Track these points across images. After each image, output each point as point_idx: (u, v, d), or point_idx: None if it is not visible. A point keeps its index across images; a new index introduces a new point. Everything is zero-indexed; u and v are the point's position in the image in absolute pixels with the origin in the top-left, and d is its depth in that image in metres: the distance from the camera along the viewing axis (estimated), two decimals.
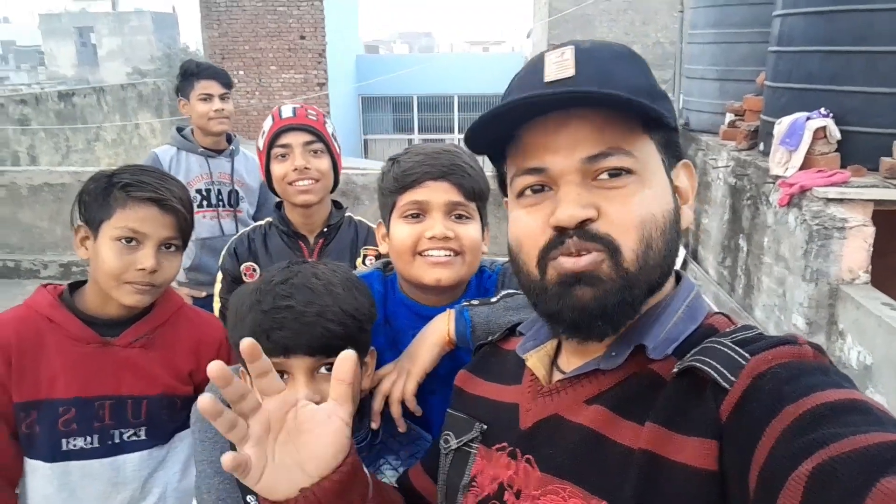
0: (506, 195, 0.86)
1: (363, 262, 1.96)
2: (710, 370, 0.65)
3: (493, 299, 1.21)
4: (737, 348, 0.66)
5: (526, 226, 0.76)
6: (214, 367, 0.67)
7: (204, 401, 0.68)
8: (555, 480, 0.74)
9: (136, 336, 1.40)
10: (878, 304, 3.15)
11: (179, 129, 2.98)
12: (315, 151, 1.89)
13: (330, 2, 14.09)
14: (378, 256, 1.98)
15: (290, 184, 1.86)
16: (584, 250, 0.71)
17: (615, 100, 0.69)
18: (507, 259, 1.42)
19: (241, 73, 13.19)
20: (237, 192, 2.91)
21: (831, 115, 3.63)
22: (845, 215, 3.37)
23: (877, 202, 3.37)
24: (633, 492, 0.66)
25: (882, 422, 0.54)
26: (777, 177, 3.81)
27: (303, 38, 13.60)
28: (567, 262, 0.72)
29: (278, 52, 13.55)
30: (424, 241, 1.22)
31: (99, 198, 1.34)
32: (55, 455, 1.35)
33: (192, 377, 1.45)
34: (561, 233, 0.72)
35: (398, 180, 1.24)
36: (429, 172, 1.22)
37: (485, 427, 0.88)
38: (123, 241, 1.32)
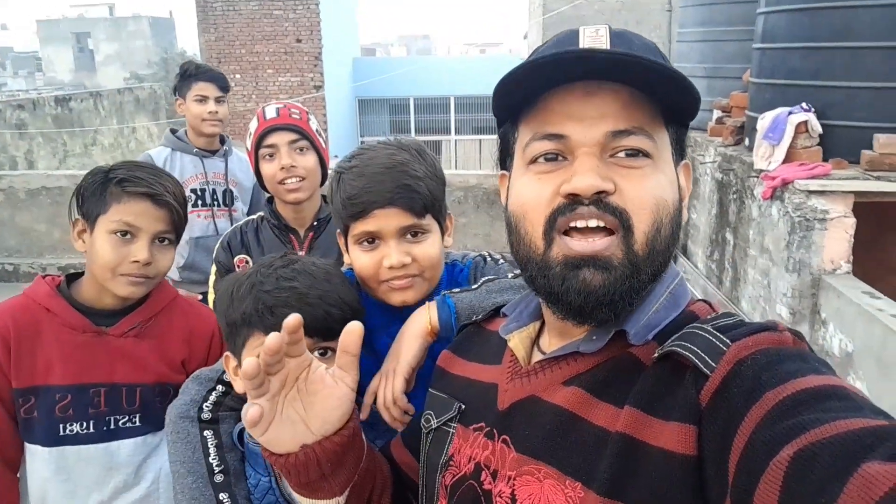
0: (503, 167, 0.84)
1: None
2: (690, 355, 0.65)
3: (474, 286, 1.22)
4: (718, 334, 0.66)
5: (535, 193, 0.74)
6: (250, 364, 0.70)
7: (250, 364, 0.70)
8: (530, 461, 0.74)
9: (131, 326, 1.46)
10: (858, 293, 3.21)
11: (173, 131, 3.04)
12: (300, 149, 1.95)
13: (326, 5, 14.16)
14: None
15: (280, 183, 1.93)
16: (598, 220, 0.69)
17: (667, 72, 0.68)
18: (478, 253, 1.45)
19: (238, 76, 13.25)
20: (231, 192, 2.97)
21: (813, 109, 3.70)
22: (826, 207, 3.44)
23: (857, 194, 3.44)
24: (608, 474, 0.65)
25: (861, 407, 0.54)
26: (761, 171, 3.88)
27: (299, 41, 13.68)
28: (577, 245, 0.70)
29: (274, 56, 13.62)
30: (384, 270, 1.21)
31: (96, 192, 1.40)
32: (53, 440, 1.40)
33: (185, 366, 1.50)
34: (573, 201, 0.70)
35: (346, 207, 1.22)
36: (375, 202, 1.18)
37: (463, 406, 0.88)
38: (119, 234, 1.38)
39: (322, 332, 1.09)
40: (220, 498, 1.16)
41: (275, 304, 1.06)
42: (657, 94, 0.71)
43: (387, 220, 1.19)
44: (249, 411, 0.73)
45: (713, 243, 4.96)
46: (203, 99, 2.89)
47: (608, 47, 0.71)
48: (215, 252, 2.06)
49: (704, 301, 0.79)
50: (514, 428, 0.78)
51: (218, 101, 2.91)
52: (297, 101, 13.21)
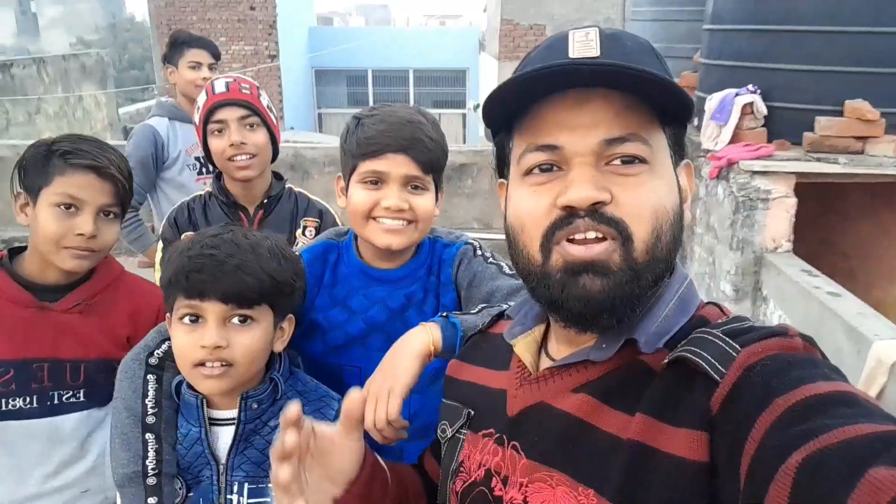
0: (501, 175, 0.83)
1: (303, 234, 2.02)
2: (700, 362, 0.65)
3: (474, 310, 1.24)
4: (728, 340, 0.66)
5: (531, 206, 0.73)
6: (292, 410, 0.76)
7: (283, 477, 0.77)
8: (542, 468, 0.74)
9: (76, 302, 1.45)
10: (797, 270, 3.34)
11: (163, 101, 3.05)
12: (251, 125, 1.91)
13: None
14: (318, 228, 2.05)
15: (229, 159, 1.89)
16: (595, 231, 0.69)
17: (658, 81, 0.67)
18: (470, 237, 1.48)
19: None
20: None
21: (759, 91, 3.79)
22: (769, 187, 3.54)
23: (799, 175, 3.55)
24: (620, 481, 0.66)
25: (870, 413, 0.54)
26: (708, 151, 3.98)
27: (252, 8, 13.34)
28: (576, 250, 0.70)
29: (227, 23, 13.27)
30: (380, 208, 1.29)
31: (38, 165, 1.38)
32: None
33: (130, 342, 1.48)
34: (570, 214, 0.70)
35: (360, 146, 1.30)
36: (390, 145, 1.28)
37: (472, 413, 0.89)
38: (62, 206, 1.37)
39: (237, 300, 1.14)
40: (146, 437, 1.22)
41: (191, 269, 1.12)
42: (650, 100, 0.70)
43: (396, 164, 1.29)
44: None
45: None
46: (197, 65, 2.92)
47: (598, 52, 0.70)
48: (161, 228, 2.03)
49: (714, 304, 0.78)
50: (524, 434, 0.78)
51: (210, 67, 2.95)
52: (251, 70, 12.96)
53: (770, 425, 0.56)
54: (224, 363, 1.15)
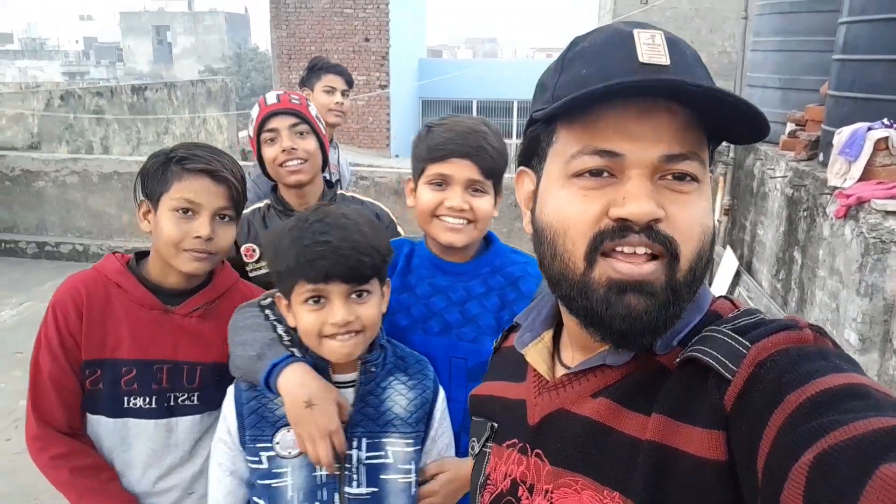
0: (526, 164, 0.82)
1: None
2: (711, 360, 0.64)
3: None
4: (737, 336, 0.65)
5: (579, 210, 0.70)
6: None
7: None
8: (566, 473, 0.74)
9: (195, 306, 1.51)
10: None
11: None
12: (301, 133, 1.99)
13: (396, 5, 14.31)
14: None
15: (281, 165, 1.97)
16: (646, 248, 0.67)
17: (747, 110, 0.66)
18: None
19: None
20: (340, 182, 3.15)
21: (894, 125, 3.52)
22: None
23: None
24: (644, 482, 0.65)
25: (881, 405, 0.54)
26: (835, 188, 3.71)
27: (367, 40, 13.89)
28: (624, 268, 0.68)
29: (343, 54, 13.85)
30: (444, 207, 1.44)
31: (158, 173, 1.44)
32: (117, 411, 1.46)
33: None
34: (622, 226, 0.67)
35: (430, 151, 1.45)
36: (456, 151, 1.42)
37: (495, 425, 0.89)
38: (181, 211, 1.42)
39: (357, 278, 1.25)
40: (275, 324, 1.38)
41: (313, 257, 1.22)
42: (713, 119, 0.68)
43: (460, 168, 1.42)
44: None
45: (780, 262, 4.77)
46: (331, 90, 3.10)
47: (668, 60, 0.68)
48: None
49: (726, 297, 0.77)
50: (546, 441, 0.78)
51: (343, 93, 3.11)
52: (362, 98, 13.42)
53: (783, 423, 0.56)
54: (354, 332, 1.27)
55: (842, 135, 3.67)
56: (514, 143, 18.46)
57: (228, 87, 14.39)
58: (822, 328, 0.65)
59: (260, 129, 2.00)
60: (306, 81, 3.19)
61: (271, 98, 2.01)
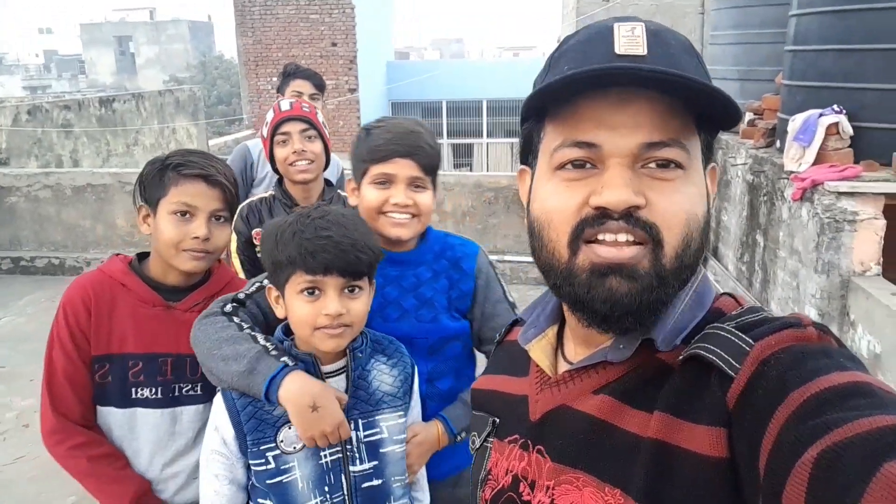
0: (524, 161, 0.83)
1: None
2: (714, 358, 0.64)
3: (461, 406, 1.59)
4: (740, 334, 0.65)
5: (562, 201, 0.71)
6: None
7: None
8: (568, 470, 0.74)
9: (196, 302, 1.61)
10: (887, 294, 3.22)
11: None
12: (309, 137, 2.26)
13: (362, 10, 14.35)
14: None
15: (291, 164, 2.23)
16: (627, 234, 0.68)
17: (712, 94, 0.66)
18: (482, 249, 1.72)
19: (275, 79, 13.44)
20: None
21: (844, 111, 3.71)
22: (856, 208, 3.44)
23: (888, 196, 3.44)
24: (645, 480, 0.66)
25: (885, 404, 0.54)
26: (791, 172, 3.90)
27: (334, 44, 13.89)
28: (605, 251, 0.68)
29: (310, 59, 13.81)
30: (389, 205, 1.53)
31: (155, 179, 1.54)
32: (126, 401, 1.56)
33: None
34: (602, 214, 0.68)
35: (371, 152, 1.54)
36: (397, 151, 1.52)
37: (497, 420, 0.89)
38: (179, 214, 1.52)
39: (353, 273, 1.33)
40: (252, 333, 1.41)
41: (315, 250, 1.30)
42: (696, 106, 0.69)
43: (402, 167, 1.52)
44: None
45: (743, 245, 4.97)
46: (298, 94, 3.19)
47: (644, 51, 0.68)
48: (234, 222, 2.26)
49: (729, 294, 0.77)
50: (548, 438, 0.79)
51: (312, 97, 3.22)
52: (332, 103, 13.42)
53: (786, 420, 0.56)
54: (344, 325, 1.34)
55: (795, 122, 3.86)
56: (484, 143, 18.63)
57: (197, 97, 14.31)
58: (825, 326, 0.65)
59: (274, 132, 2.26)
60: (279, 88, 3.33)
61: (285, 105, 2.30)
